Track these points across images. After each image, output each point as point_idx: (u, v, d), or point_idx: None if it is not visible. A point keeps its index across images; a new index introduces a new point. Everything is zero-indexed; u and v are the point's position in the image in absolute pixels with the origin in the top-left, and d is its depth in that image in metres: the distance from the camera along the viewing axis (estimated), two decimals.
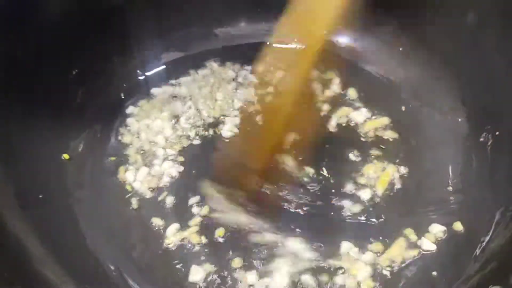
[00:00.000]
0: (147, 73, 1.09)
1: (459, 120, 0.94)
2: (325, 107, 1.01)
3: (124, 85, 1.06)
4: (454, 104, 0.96)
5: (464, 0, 0.89)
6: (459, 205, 0.87)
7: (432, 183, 0.90)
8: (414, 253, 0.83)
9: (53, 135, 0.92)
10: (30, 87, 0.88)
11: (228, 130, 0.99)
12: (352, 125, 1.00)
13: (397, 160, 0.94)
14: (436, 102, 0.99)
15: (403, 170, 0.93)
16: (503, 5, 0.82)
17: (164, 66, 1.10)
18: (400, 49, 1.06)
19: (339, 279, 0.80)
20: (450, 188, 0.89)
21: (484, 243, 0.78)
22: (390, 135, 0.98)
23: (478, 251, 0.78)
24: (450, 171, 0.91)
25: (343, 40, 1.10)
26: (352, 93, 1.04)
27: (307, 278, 0.80)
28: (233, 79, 1.08)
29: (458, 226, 0.84)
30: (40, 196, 0.84)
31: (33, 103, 0.88)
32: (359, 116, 1.01)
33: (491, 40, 0.84)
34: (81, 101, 0.98)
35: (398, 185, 0.91)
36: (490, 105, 0.85)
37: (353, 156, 0.94)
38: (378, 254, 0.82)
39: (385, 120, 1.00)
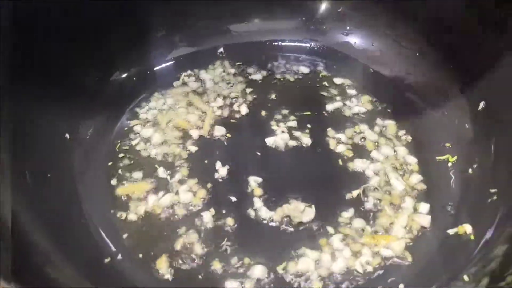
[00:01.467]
0: (160, 66, 1.10)
1: (466, 126, 0.93)
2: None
3: (137, 75, 1.07)
4: (462, 111, 0.95)
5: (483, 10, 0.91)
6: (459, 208, 0.85)
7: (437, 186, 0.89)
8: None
9: (65, 119, 0.93)
10: (48, 70, 0.90)
11: None
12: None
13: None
14: (445, 106, 0.98)
15: None
16: None
17: (174, 61, 1.11)
18: (417, 53, 1.05)
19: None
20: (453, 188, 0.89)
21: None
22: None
23: (475, 253, 0.77)
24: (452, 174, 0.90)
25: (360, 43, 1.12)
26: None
27: None
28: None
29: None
30: (49, 175, 0.85)
31: (49, 86, 0.90)
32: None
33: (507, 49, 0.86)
34: (95, 88, 1.01)
35: None
36: (499, 112, 0.86)
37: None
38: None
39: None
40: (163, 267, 0.78)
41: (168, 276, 0.77)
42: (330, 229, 0.82)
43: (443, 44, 0.99)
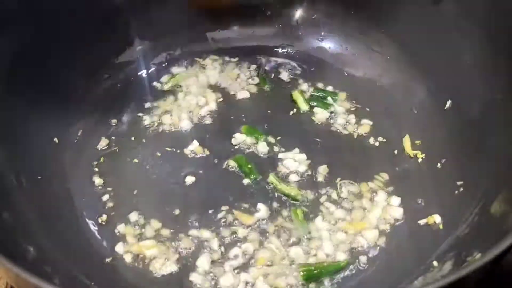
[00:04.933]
0: (144, 72, 1.13)
1: (434, 123, 0.98)
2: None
3: (123, 81, 1.10)
4: (430, 109, 1.00)
5: (450, 13, 0.96)
6: (429, 200, 0.90)
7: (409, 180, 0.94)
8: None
9: (54, 124, 0.96)
10: (37, 74, 0.94)
11: None
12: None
13: None
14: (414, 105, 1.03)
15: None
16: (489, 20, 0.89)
17: (155, 67, 1.14)
18: (388, 57, 1.10)
19: None
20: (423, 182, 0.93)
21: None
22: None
23: (443, 241, 0.81)
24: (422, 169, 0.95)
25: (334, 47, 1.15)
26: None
27: None
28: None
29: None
30: (39, 177, 0.88)
31: (38, 90, 0.93)
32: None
33: (472, 52, 0.91)
34: (83, 94, 1.03)
35: None
36: (464, 110, 0.92)
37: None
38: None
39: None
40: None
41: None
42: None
43: (411, 48, 1.05)
